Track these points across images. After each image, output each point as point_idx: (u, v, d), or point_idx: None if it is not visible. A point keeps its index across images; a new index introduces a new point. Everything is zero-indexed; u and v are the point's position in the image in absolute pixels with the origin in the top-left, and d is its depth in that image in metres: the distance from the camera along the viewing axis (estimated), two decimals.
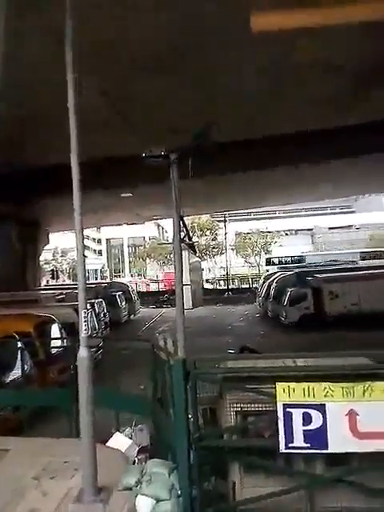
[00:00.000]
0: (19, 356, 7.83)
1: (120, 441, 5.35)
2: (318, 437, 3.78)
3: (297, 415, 3.82)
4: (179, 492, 4.03)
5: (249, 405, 4.16)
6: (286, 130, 12.94)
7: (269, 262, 43.96)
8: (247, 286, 36.93)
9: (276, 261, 43.53)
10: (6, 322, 9.42)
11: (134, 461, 4.91)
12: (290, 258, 43.36)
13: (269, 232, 52.42)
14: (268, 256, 46.96)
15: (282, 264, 38.87)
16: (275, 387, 3.85)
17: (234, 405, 4.24)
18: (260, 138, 13.33)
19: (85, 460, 3.98)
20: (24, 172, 14.88)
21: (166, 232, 62.55)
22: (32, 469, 4.64)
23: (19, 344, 8.20)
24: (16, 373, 7.78)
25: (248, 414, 4.24)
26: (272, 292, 21.12)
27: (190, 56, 8.23)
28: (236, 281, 40.62)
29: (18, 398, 7.18)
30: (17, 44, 6.68)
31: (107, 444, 5.25)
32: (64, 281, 47.76)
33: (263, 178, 17.03)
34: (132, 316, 23.94)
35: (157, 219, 41.16)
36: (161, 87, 9.40)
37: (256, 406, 4.13)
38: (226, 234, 40.75)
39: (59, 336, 10.56)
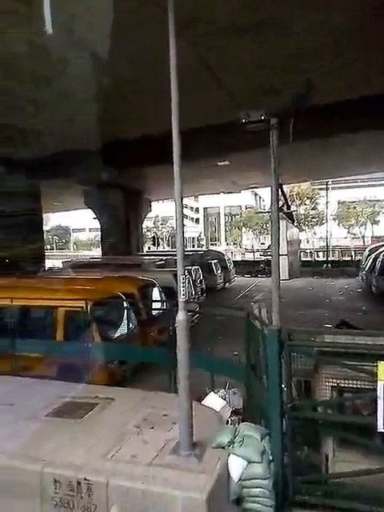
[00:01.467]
0: (125, 314, 8.46)
1: (214, 401, 5.57)
2: None
3: None
4: (271, 457, 4.11)
5: (346, 381, 4.04)
6: None
7: None
8: (349, 258, 34.81)
9: None
10: (113, 284, 10.22)
11: (227, 421, 5.09)
12: None
13: (377, 201, 48.34)
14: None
15: None
16: (376, 366, 3.67)
17: (330, 380, 4.14)
18: (366, 96, 12.10)
19: (182, 417, 4.22)
20: (126, 142, 15.59)
21: (263, 201, 61.36)
22: (134, 418, 5.02)
23: (125, 304, 8.86)
24: (122, 330, 8.44)
25: (344, 390, 4.12)
26: (378, 266, 19.65)
27: (284, 10, 7.70)
28: (336, 253, 38.51)
29: (123, 352, 7.81)
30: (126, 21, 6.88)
31: (202, 403, 5.51)
32: (164, 247, 50.03)
33: (370, 140, 15.58)
34: (227, 284, 24.24)
35: (254, 187, 40.34)
36: (254, 47, 9.00)
37: (353, 382, 3.99)
38: (327, 202, 38.50)
39: (159, 299, 11.16)
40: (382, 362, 3.67)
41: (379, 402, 3.69)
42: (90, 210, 24.63)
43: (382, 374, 3.67)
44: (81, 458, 4.19)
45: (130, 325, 8.36)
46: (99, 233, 26.57)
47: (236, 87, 11.02)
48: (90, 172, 16.36)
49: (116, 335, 8.42)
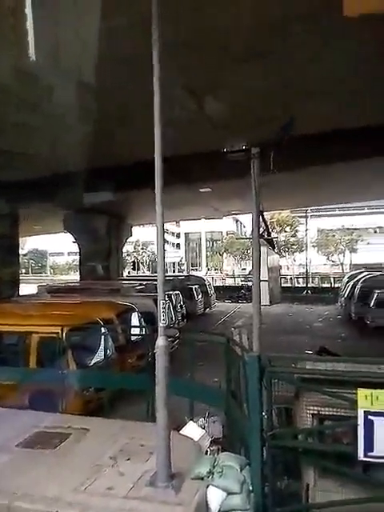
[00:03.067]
0: (102, 341, 8.30)
1: (193, 430, 5.44)
2: None
3: (379, 424, 3.62)
4: (251, 487, 4.01)
5: (327, 408, 4.00)
6: (375, 121, 12.09)
7: None
8: (328, 285, 35.33)
9: None
10: (91, 309, 10.03)
11: (207, 451, 4.97)
12: None
13: (355, 229, 49.64)
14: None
15: None
16: (356, 393, 3.66)
17: (311, 407, 4.10)
18: (345, 128, 12.62)
19: (159, 447, 4.11)
20: (109, 168, 15.67)
21: (244, 227, 62.15)
22: (110, 449, 4.88)
23: (103, 329, 8.69)
24: (99, 356, 8.25)
25: (325, 417, 4.08)
26: (357, 293, 19.98)
27: (276, 45, 8.02)
28: (316, 279, 39.08)
29: (100, 379, 7.59)
30: (111, 42, 7.01)
31: (181, 432, 5.37)
32: (144, 272, 49.78)
33: (349, 171, 16.11)
34: (208, 309, 24.16)
35: (235, 214, 40.92)
36: (243, 78, 9.30)
37: (334, 410, 3.96)
38: (307, 230, 39.32)
39: (138, 324, 11.00)
40: (361, 390, 3.65)
41: (359, 429, 3.65)
42: (69, 233, 24.47)
43: (361, 401, 3.65)
44: (53, 490, 4.01)
45: (108, 351, 8.19)
46: (78, 257, 26.33)
47: (220, 117, 11.29)
48: (72, 196, 16.33)
49: (93, 362, 8.22)
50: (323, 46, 8.09)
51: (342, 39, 7.75)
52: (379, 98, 10.42)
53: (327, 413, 4.01)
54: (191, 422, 5.79)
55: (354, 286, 20.98)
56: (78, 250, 24.91)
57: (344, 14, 5.55)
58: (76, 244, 24.31)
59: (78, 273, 27.46)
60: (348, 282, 23.51)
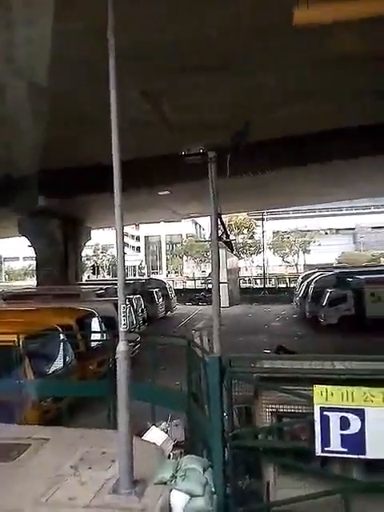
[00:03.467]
0: (61, 348, 8.10)
1: (156, 435, 5.43)
2: (355, 442, 3.71)
3: (334, 419, 3.75)
4: (213, 489, 4.06)
5: (284, 406, 4.12)
6: (325, 127, 12.65)
7: None
8: (284, 285, 36.31)
9: None
10: (49, 315, 9.78)
11: (169, 455, 4.98)
12: None
13: (308, 231, 51.36)
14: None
15: None
16: (312, 390, 3.79)
17: (270, 405, 4.20)
18: (298, 135, 13.10)
19: (121, 453, 4.07)
20: (67, 170, 15.35)
21: (203, 230, 62.66)
22: (70, 458, 4.77)
23: (61, 336, 8.49)
24: (58, 364, 8.05)
25: (283, 415, 4.20)
26: (310, 292, 20.71)
27: (232, 54, 8.20)
28: (273, 280, 40.06)
29: (59, 388, 7.42)
30: (67, 45, 6.91)
31: (143, 437, 5.35)
32: (104, 276, 48.96)
33: (301, 175, 16.70)
34: (169, 312, 24.16)
35: (194, 217, 41.23)
36: (200, 85, 9.43)
37: (292, 407, 4.08)
38: (263, 232, 40.25)
39: (99, 330, 10.83)
40: (317, 386, 3.79)
41: (316, 425, 3.78)
42: (24, 237, 23.62)
43: (317, 397, 3.78)
44: (14, 503, 3.90)
45: (67, 358, 8.01)
46: (34, 262, 25.49)
47: (178, 121, 11.37)
48: (27, 199, 15.82)
49: (51, 370, 8.01)
50: (277, 58, 8.39)
51: (293, 52, 8.11)
52: (329, 105, 10.95)
53: (285, 410, 4.13)
54: (153, 426, 5.78)
55: (307, 286, 21.72)
56: (34, 255, 24.12)
57: (293, 23, 5.84)
58: (32, 248, 23.52)
59: (34, 278, 26.57)
60: (302, 282, 24.31)
